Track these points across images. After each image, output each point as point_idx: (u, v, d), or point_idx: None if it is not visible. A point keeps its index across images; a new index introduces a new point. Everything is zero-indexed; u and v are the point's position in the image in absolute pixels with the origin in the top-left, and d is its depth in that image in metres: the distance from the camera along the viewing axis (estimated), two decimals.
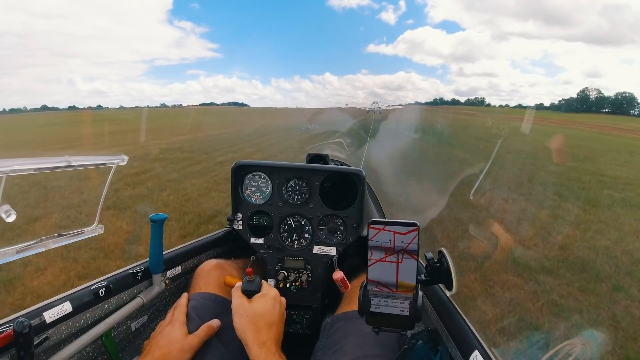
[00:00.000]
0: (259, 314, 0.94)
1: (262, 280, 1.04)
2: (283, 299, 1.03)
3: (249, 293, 0.98)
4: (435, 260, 0.89)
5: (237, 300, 0.97)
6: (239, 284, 1.02)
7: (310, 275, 1.38)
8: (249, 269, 1.02)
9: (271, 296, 0.99)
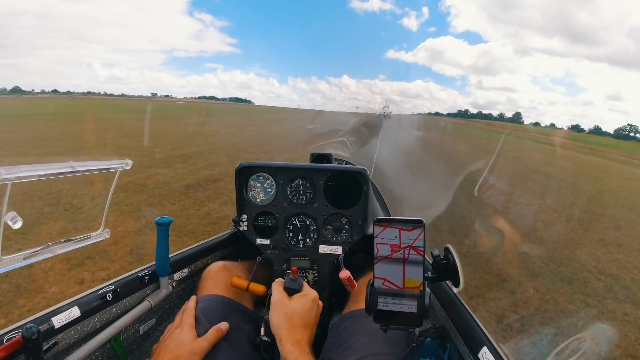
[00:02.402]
0: (297, 312, 0.94)
1: (304, 281, 1.05)
2: (321, 303, 1.04)
3: (291, 291, 1.00)
4: (442, 257, 0.89)
5: (278, 295, 0.98)
6: (279, 279, 1.04)
7: (316, 274, 1.38)
8: (294, 268, 1.03)
9: (311, 297, 0.99)
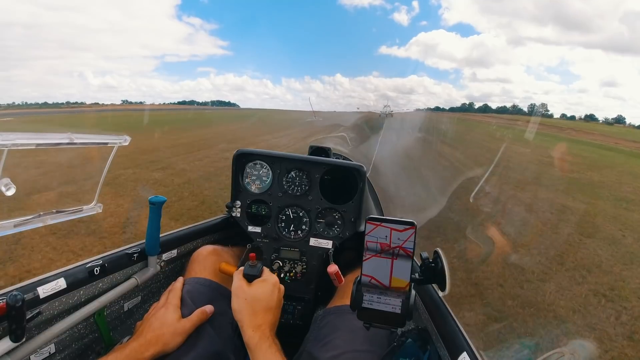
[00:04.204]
0: (257, 298, 0.96)
1: (264, 267, 1.06)
2: (282, 287, 1.06)
3: (250, 277, 1.01)
4: (430, 260, 0.89)
5: (237, 282, 1.00)
6: (241, 267, 1.04)
7: (305, 266, 1.38)
8: (252, 254, 1.04)
9: (271, 282, 1.01)
